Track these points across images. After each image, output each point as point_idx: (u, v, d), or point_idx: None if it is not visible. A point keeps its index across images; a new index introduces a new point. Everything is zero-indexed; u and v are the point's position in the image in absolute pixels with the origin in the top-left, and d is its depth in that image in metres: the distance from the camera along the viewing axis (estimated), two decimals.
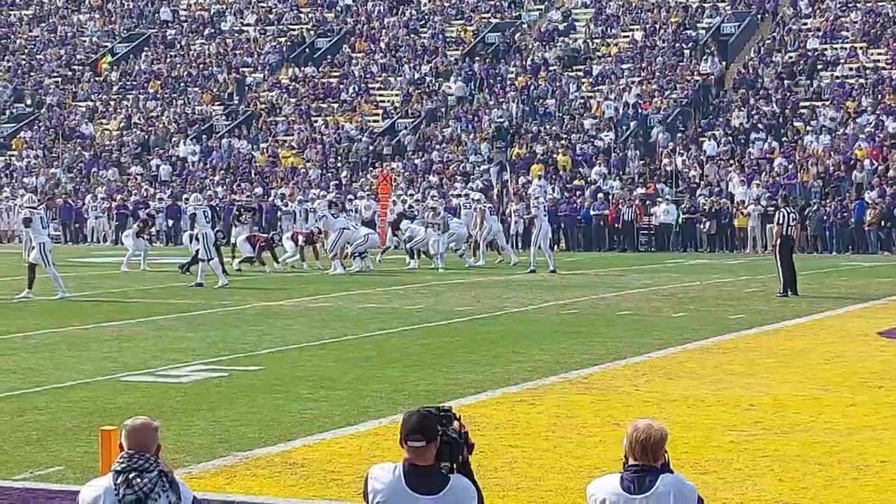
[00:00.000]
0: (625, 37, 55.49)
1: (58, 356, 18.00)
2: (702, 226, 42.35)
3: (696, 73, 51.72)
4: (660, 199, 43.29)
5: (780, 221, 26.45)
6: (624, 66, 53.06)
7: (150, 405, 13.84)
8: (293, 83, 58.12)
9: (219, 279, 29.29)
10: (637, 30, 55.57)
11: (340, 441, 12.29)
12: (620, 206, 43.36)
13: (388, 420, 12.87)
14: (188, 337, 20.12)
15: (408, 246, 35.61)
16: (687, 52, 53.03)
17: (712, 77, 51.11)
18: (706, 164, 45.81)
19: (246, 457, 11.61)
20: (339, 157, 51.80)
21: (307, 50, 59.92)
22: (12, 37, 67.64)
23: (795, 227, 27.00)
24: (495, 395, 14.67)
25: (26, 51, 66.07)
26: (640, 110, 49.78)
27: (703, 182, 44.73)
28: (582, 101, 51.90)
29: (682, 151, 46.88)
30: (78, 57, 64.47)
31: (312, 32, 61.56)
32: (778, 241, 26.42)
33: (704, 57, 52.22)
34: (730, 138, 47.01)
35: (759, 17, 55.16)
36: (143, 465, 5.93)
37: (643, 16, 56.39)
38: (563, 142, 48.95)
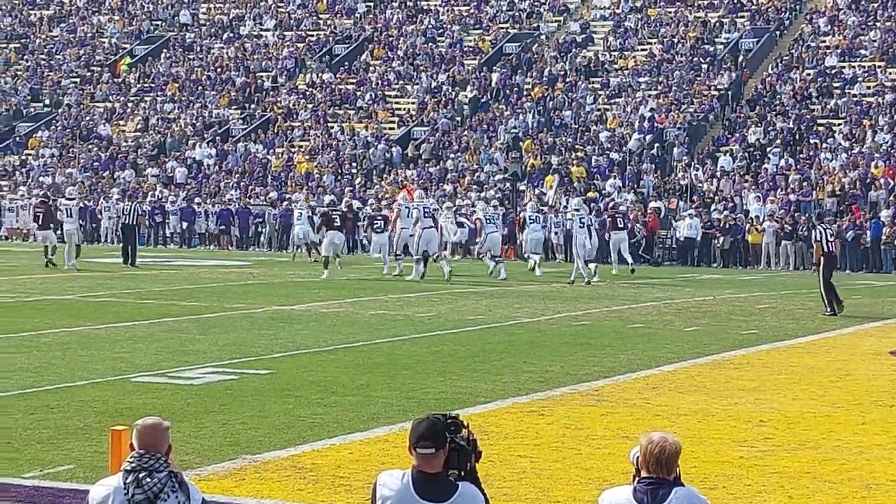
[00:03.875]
0: (642, 50, 55.48)
1: (70, 355, 18.04)
2: (716, 241, 42.29)
3: (712, 87, 51.69)
4: (684, 214, 43.20)
5: (819, 239, 26.36)
6: (641, 80, 53.05)
7: (160, 406, 13.86)
8: (310, 88, 58.20)
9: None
10: (655, 43, 55.56)
11: (350, 446, 12.30)
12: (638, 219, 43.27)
13: (397, 427, 12.88)
14: (200, 339, 20.15)
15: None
16: (704, 66, 53.00)
17: (729, 92, 51.07)
18: (721, 179, 45.77)
19: (255, 460, 11.62)
20: (354, 164, 51.84)
21: (325, 56, 59.98)
22: (32, 36, 67.83)
23: (834, 242, 26.80)
24: (505, 405, 14.67)
25: (45, 51, 66.25)
26: (655, 123, 49.76)
27: (717, 197, 44.67)
28: (598, 112, 51.90)
29: (697, 166, 46.85)
30: (97, 58, 64.62)
31: (331, 38, 61.65)
32: (821, 259, 26.12)
33: (721, 72, 52.20)
34: (745, 154, 46.98)
35: (778, 33, 55.13)
36: (153, 465, 5.95)
37: (661, 30, 56.39)
38: (578, 153, 48.96)
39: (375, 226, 36.17)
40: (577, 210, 34.18)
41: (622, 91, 52.82)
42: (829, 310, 25.38)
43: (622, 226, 36.51)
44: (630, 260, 36.14)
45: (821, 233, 26.36)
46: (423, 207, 34.01)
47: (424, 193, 37.86)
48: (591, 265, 33.19)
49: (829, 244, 26.26)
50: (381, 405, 14.44)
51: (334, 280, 32.55)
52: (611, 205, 38.94)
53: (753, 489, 10.88)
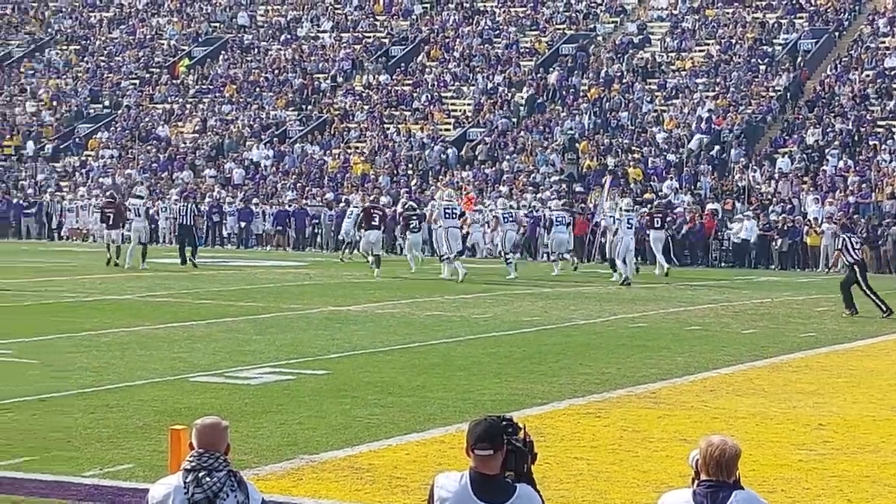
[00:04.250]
0: (700, 51, 55.22)
1: (129, 355, 18.18)
2: (774, 243, 42.03)
3: (770, 89, 51.38)
4: (741, 216, 42.96)
5: (840, 247, 26.88)
6: (698, 81, 52.80)
7: (218, 406, 13.94)
8: (366, 90, 58.33)
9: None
10: (713, 44, 55.28)
11: (406, 447, 12.32)
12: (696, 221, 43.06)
13: (454, 428, 12.88)
14: (257, 339, 20.25)
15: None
16: (762, 67, 52.69)
17: (787, 93, 50.76)
18: (779, 181, 45.49)
19: (313, 460, 11.67)
20: (410, 165, 51.91)
21: (381, 57, 60.10)
22: (92, 38, 68.37)
23: (862, 249, 27.05)
24: (562, 407, 14.65)
25: (105, 52, 66.76)
26: (712, 125, 49.52)
27: (775, 199, 44.40)
28: (655, 114, 51.71)
29: (754, 167, 46.58)
30: (156, 60, 65.07)
31: (387, 40, 61.77)
32: (851, 266, 26.32)
33: (779, 73, 51.88)
34: (804, 155, 46.66)
35: (837, 34, 54.72)
36: (212, 465, 5.98)
37: (719, 30, 56.10)
38: (634, 154, 48.81)
39: (411, 226, 36.05)
40: (628, 211, 33.97)
41: (679, 92, 52.60)
42: (885, 310, 25.47)
43: (660, 225, 36.03)
44: (664, 263, 35.81)
45: (844, 241, 26.67)
46: (446, 208, 34.00)
47: (455, 194, 37.70)
48: (623, 265, 32.92)
49: (856, 251, 26.49)
50: (438, 406, 14.46)
51: (390, 281, 32.61)
52: (650, 204, 38.43)
53: (812, 493, 10.82)
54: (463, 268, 32.86)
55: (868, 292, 25.86)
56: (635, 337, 21.49)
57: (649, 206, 35.23)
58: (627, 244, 32.87)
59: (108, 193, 44.47)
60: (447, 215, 33.76)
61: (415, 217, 36.00)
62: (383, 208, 37.87)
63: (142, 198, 39.12)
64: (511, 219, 36.81)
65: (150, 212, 44.22)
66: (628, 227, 33.13)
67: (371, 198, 41.14)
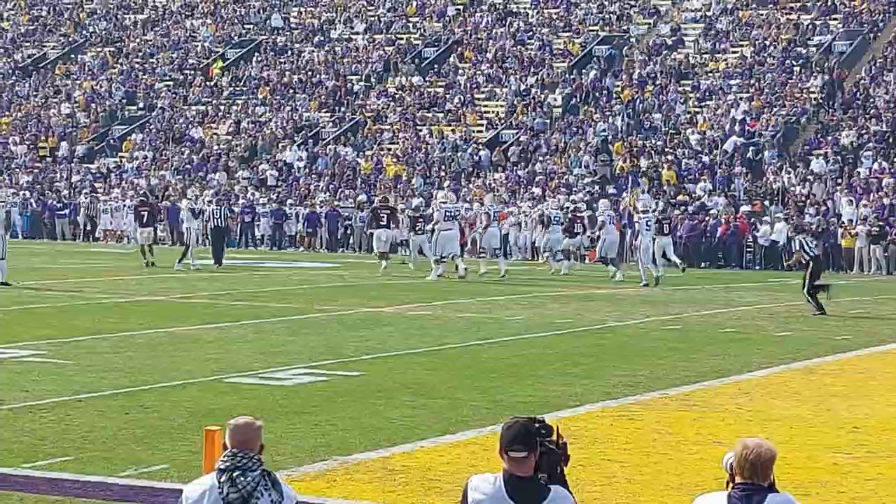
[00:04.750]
0: (734, 52, 55.07)
1: (164, 356, 18.25)
2: None
3: (805, 90, 51.18)
4: (771, 218, 42.81)
5: (798, 249, 27.80)
6: (732, 82, 52.66)
7: (253, 407, 13.98)
8: (399, 92, 58.40)
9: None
10: (746, 46, 55.12)
11: (439, 449, 12.33)
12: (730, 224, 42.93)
13: (487, 430, 12.88)
14: (291, 341, 20.30)
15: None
16: (796, 69, 52.48)
17: (821, 95, 50.55)
18: (814, 183, 45.30)
19: (346, 461, 11.69)
20: (443, 167, 51.94)
21: (415, 59, 60.16)
22: (126, 40, 68.69)
23: (816, 246, 28.55)
24: (595, 409, 14.63)
25: (139, 54, 67.06)
26: (746, 126, 49.37)
27: (809, 201, 44.21)
28: (688, 115, 51.59)
29: (789, 169, 46.41)
30: (190, 61, 65.31)
31: (420, 42, 61.83)
32: (806, 265, 27.12)
33: (814, 74, 51.68)
34: (838, 157, 46.46)
35: (872, 35, 54.47)
36: (246, 464, 6.00)
37: (753, 32, 55.93)
38: (668, 156, 48.70)
39: (416, 228, 36.33)
40: (646, 212, 34.07)
41: (713, 94, 52.47)
42: (817, 311, 25.89)
43: (667, 231, 35.92)
44: (678, 261, 35.69)
45: (800, 243, 27.73)
46: (446, 210, 34.44)
47: (455, 196, 37.95)
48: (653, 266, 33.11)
49: (812, 250, 27.53)
50: (471, 408, 14.46)
51: (422, 283, 32.64)
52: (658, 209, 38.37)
53: (847, 496, 10.77)
54: (464, 264, 33.79)
55: (809, 290, 26.45)
56: (669, 339, 21.44)
57: (655, 212, 35.40)
58: (647, 245, 32.94)
59: (141, 193, 44.76)
60: (447, 217, 34.24)
61: (420, 219, 36.34)
62: (392, 207, 38.24)
63: (191, 199, 39.32)
64: (557, 220, 37.34)
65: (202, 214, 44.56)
66: (647, 230, 33.28)
67: (380, 197, 41.54)
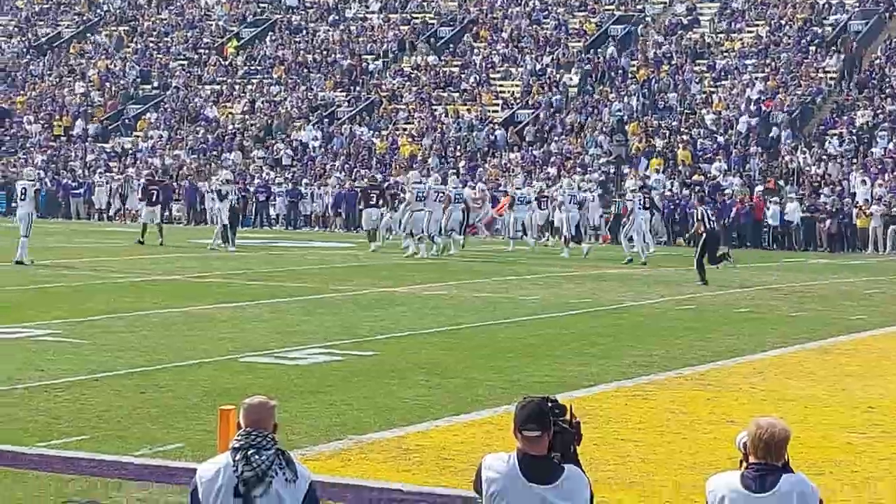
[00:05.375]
0: (749, 32, 54.89)
1: (179, 335, 18.30)
2: (822, 225, 41.77)
3: (820, 70, 51.01)
4: (784, 198, 42.73)
5: (700, 218, 28.65)
6: (747, 62, 52.51)
7: (268, 386, 14.02)
8: (415, 71, 58.34)
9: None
10: (762, 25, 54.95)
11: (454, 428, 12.35)
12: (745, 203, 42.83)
13: (501, 409, 12.90)
14: (306, 320, 20.32)
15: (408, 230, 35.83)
16: (812, 48, 52.31)
17: (837, 74, 50.40)
18: (829, 163, 45.18)
19: (360, 441, 11.72)
20: (458, 147, 51.90)
21: (430, 38, 60.08)
22: (140, 19, 68.69)
23: (713, 221, 29.26)
24: (609, 389, 14.64)
25: (154, 33, 67.06)
26: (762, 106, 49.24)
27: (824, 181, 44.11)
28: (704, 95, 51.46)
29: (804, 149, 46.29)
30: (204, 40, 65.31)
31: (435, 21, 61.73)
32: (702, 235, 28.27)
33: (829, 54, 51.50)
34: (853, 137, 46.33)
35: (888, 14, 54.26)
36: (260, 443, 6.01)
37: (769, 11, 55.76)
38: (683, 136, 48.60)
39: (370, 201, 36.82)
40: (634, 190, 34.64)
41: (728, 73, 52.33)
42: (700, 282, 27.27)
43: (648, 206, 35.84)
44: (651, 242, 35.68)
45: (702, 213, 28.63)
46: (418, 191, 35.01)
47: (419, 177, 38.19)
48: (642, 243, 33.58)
49: (711, 222, 28.59)
50: (485, 388, 14.48)
51: (437, 262, 32.65)
52: (640, 185, 38.50)
53: (861, 475, 10.77)
54: (416, 247, 34.28)
55: (699, 261, 27.69)
56: (684, 319, 21.44)
57: (641, 188, 35.91)
58: (640, 224, 33.46)
59: (146, 172, 44.54)
60: (418, 198, 34.80)
61: (375, 192, 37.09)
62: (381, 186, 38.79)
63: (229, 182, 39.16)
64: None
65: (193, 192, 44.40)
66: (641, 208, 33.71)
67: (369, 176, 41.97)
